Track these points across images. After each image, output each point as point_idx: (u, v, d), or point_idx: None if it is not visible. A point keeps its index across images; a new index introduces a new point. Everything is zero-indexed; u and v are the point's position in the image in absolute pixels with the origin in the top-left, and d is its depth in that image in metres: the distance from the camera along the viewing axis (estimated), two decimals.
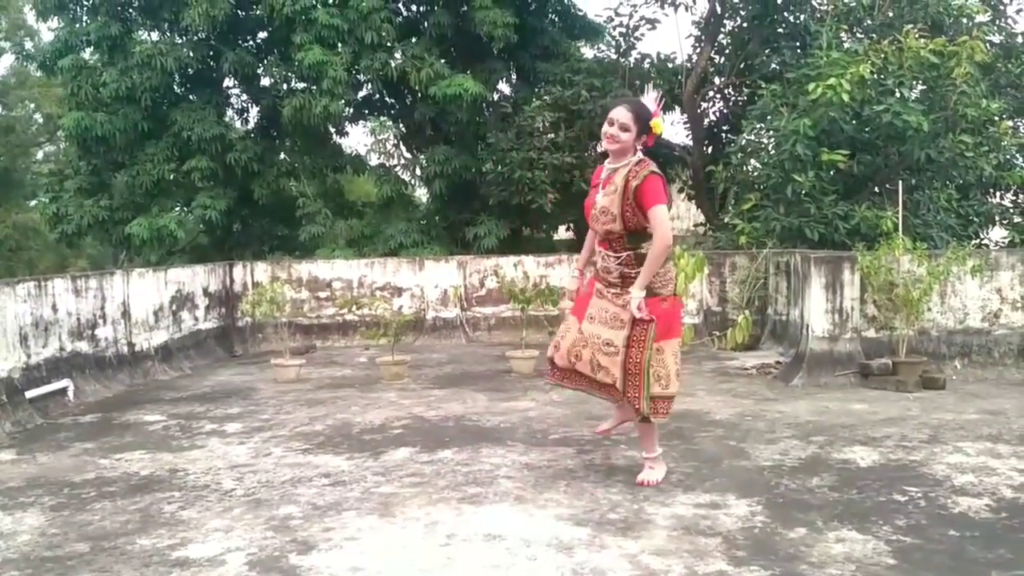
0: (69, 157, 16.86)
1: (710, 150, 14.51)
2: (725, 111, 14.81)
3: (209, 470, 4.75)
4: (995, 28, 11.91)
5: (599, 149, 4.37)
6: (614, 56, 14.67)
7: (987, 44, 10.35)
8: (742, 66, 13.74)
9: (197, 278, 9.56)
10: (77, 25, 14.09)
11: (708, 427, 5.55)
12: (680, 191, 15.79)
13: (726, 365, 8.08)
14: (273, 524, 3.83)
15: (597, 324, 4.20)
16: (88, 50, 14.27)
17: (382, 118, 14.89)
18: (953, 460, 4.66)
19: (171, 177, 13.98)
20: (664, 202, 4.03)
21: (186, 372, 8.50)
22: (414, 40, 13.99)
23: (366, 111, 15.46)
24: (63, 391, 6.83)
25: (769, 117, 10.45)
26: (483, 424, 5.77)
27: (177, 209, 14.51)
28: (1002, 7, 12.30)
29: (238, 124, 15.89)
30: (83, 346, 7.32)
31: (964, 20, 11.03)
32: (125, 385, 7.62)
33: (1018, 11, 12.58)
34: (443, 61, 13.35)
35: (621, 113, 4.11)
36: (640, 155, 4.16)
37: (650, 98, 4.23)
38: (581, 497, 4.10)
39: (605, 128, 4.16)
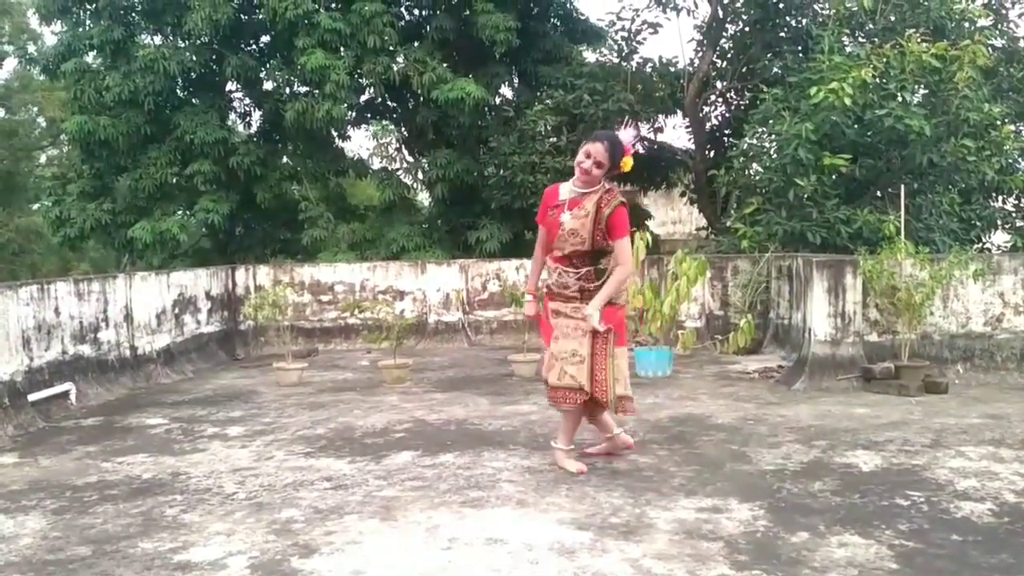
0: (72, 161, 16.90)
1: (712, 154, 14.52)
2: (727, 115, 14.81)
3: (211, 473, 4.75)
4: (997, 32, 11.90)
5: (578, 173, 4.47)
6: (616, 60, 14.67)
7: (989, 48, 10.35)
8: (744, 70, 13.74)
9: (199, 281, 9.57)
10: (80, 29, 14.13)
11: (710, 431, 5.54)
12: (682, 195, 15.80)
13: (728, 369, 8.07)
14: (275, 528, 3.83)
15: (562, 340, 4.47)
16: (91, 54, 14.31)
17: (384, 122, 14.93)
18: (956, 464, 4.65)
19: (174, 181, 14.03)
20: (628, 234, 4.45)
21: (188, 375, 8.50)
22: (416, 44, 14.02)
23: (368, 115, 15.50)
24: (65, 394, 6.83)
25: (771, 121, 10.45)
26: (485, 428, 5.77)
27: (180, 213, 14.55)
28: (1004, 11, 12.29)
29: (240, 128, 15.93)
30: (85, 349, 7.32)
31: (966, 24, 11.02)
32: (127, 388, 7.63)
33: (1020, 15, 12.50)
34: (445, 65, 13.37)
35: (598, 150, 4.36)
36: (606, 184, 4.48)
37: (627, 135, 4.49)
38: (583, 501, 4.10)
39: (580, 159, 4.41)
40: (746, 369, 7.97)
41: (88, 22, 14.26)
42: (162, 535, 3.77)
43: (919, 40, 9.56)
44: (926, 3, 10.97)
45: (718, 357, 8.80)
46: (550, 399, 4.64)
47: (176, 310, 8.92)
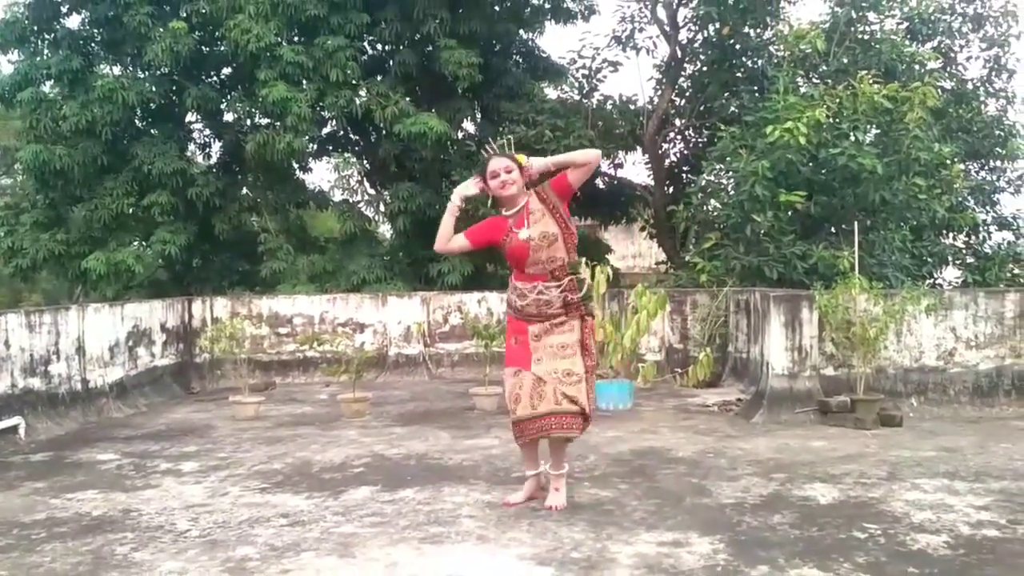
0: (26, 190, 16.53)
1: (671, 190, 14.70)
2: (686, 152, 15.04)
3: (163, 510, 4.64)
4: (946, 75, 12.30)
5: (503, 193, 4.44)
6: (577, 97, 14.85)
7: (939, 90, 10.68)
8: (702, 108, 13.99)
9: (155, 313, 9.42)
10: (38, 58, 13.93)
11: (670, 464, 5.55)
12: (642, 230, 15.95)
13: (688, 402, 8.12)
14: (229, 566, 3.74)
15: (548, 360, 4.40)
16: (48, 83, 14.10)
17: (346, 154, 14.88)
18: (911, 497, 4.71)
19: (130, 211, 13.78)
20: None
21: (141, 409, 8.33)
22: (379, 78, 14.05)
23: (330, 147, 15.45)
24: (14, 429, 6.66)
25: (728, 158, 10.63)
26: (445, 462, 5.72)
27: (135, 244, 14.30)
28: (952, 55, 12.71)
29: (200, 159, 15.75)
30: (35, 383, 7.15)
31: (916, 67, 11.36)
32: (78, 423, 7.45)
33: (968, 59, 12.98)
34: (408, 99, 13.41)
35: (500, 162, 4.51)
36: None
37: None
38: (544, 536, 4.07)
39: (499, 178, 4.51)
40: (706, 402, 8.02)
41: (46, 51, 14.08)
42: (112, 574, 3.67)
43: (871, 81, 9.83)
44: (877, 46, 11.30)
45: (678, 390, 8.84)
46: (539, 430, 4.35)
47: (130, 342, 8.75)
